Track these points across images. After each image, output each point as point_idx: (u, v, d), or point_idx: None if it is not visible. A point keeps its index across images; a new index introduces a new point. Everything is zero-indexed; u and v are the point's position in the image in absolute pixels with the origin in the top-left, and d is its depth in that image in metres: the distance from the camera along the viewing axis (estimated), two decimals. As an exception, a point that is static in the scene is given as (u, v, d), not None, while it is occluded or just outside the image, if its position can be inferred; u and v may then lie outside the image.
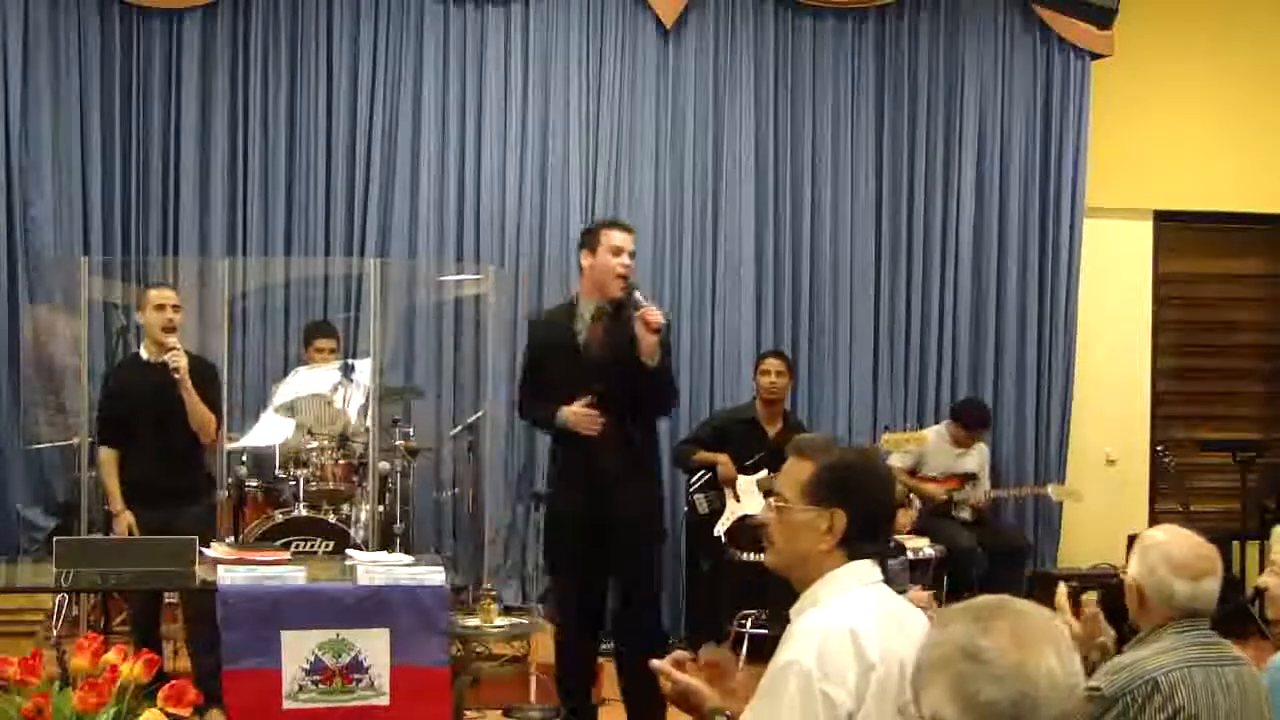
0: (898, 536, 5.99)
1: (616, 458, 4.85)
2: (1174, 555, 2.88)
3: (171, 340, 5.48)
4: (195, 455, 5.67)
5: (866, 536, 2.44)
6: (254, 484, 6.56)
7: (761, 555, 6.71)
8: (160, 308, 5.55)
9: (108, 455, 5.60)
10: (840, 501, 2.42)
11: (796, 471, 2.49)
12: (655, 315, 4.73)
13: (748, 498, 6.70)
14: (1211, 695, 2.79)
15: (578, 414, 4.85)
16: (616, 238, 4.91)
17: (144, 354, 5.64)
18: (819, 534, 2.42)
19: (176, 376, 5.41)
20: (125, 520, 5.46)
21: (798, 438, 2.64)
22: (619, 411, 4.85)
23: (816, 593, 2.43)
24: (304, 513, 6.16)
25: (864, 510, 2.43)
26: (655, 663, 2.53)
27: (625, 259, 4.88)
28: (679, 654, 2.54)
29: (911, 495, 7.13)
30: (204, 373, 5.66)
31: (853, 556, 2.43)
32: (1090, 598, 3.30)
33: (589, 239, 4.98)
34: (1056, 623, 1.78)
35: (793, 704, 2.25)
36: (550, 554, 5.26)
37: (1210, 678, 2.80)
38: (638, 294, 4.83)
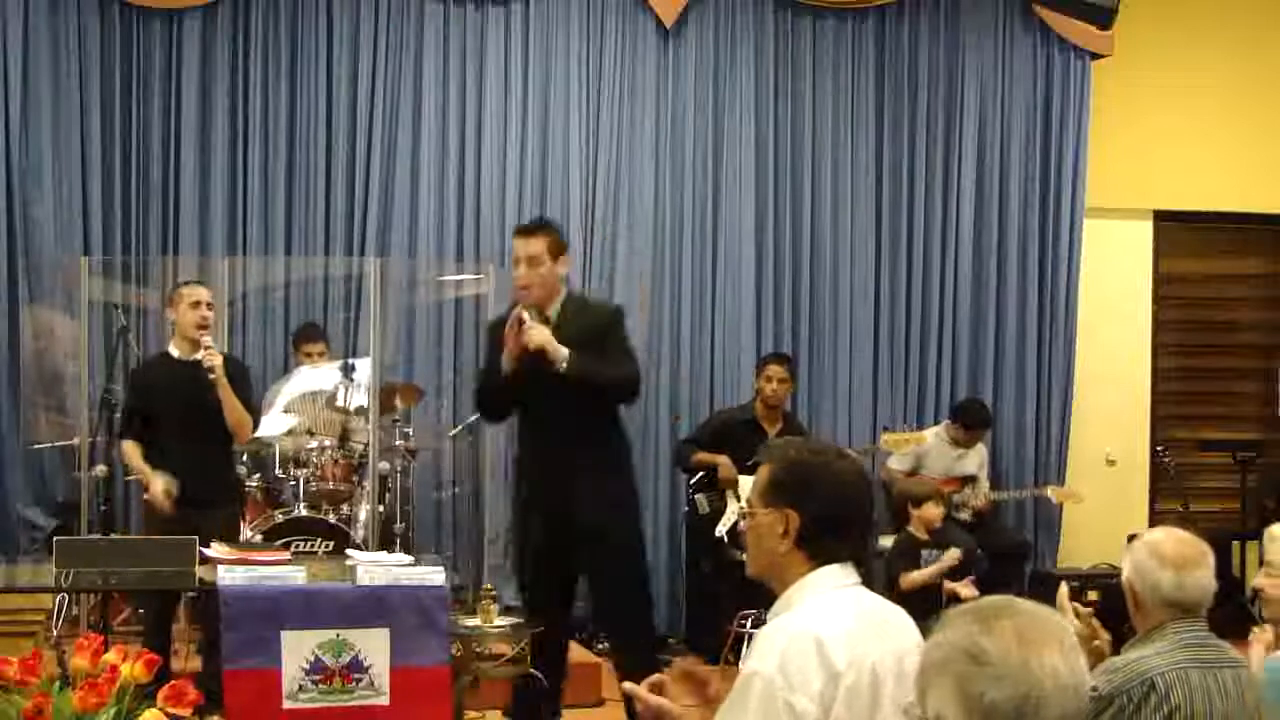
0: (932, 532, 6.00)
1: (577, 451, 4.77)
2: (1159, 549, 2.92)
3: (206, 339, 5.41)
4: (224, 457, 5.62)
5: (829, 536, 2.38)
6: (254, 484, 6.56)
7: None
8: (195, 305, 5.46)
9: (130, 445, 5.48)
10: (791, 501, 2.39)
11: (759, 476, 2.48)
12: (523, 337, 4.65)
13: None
14: (1208, 696, 2.79)
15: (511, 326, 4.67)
16: (518, 248, 4.83)
17: (174, 351, 5.54)
18: (777, 536, 2.39)
19: (212, 376, 5.33)
20: (160, 483, 5.30)
21: (766, 442, 2.62)
22: (575, 403, 4.72)
23: (790, 598, 2.39)
24: (304, 513, 6.16)
25: (818, 509, 2.37)
26: (627, 686, 2.50)
27: (521, 269, 4.76)
28: (655, 677, 2.51)
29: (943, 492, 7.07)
30: (237, 371, 5.60)
31: (820, 558, 2.38)
32: (1064, 595, 3.29)
33: None
34: (1061, 622, 1.78)
35: (756, 714, 2.22)
36: (520, 552, 5.21)
37: (1207, 679, 2.81)
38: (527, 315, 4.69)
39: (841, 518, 2.40)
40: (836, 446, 2.68)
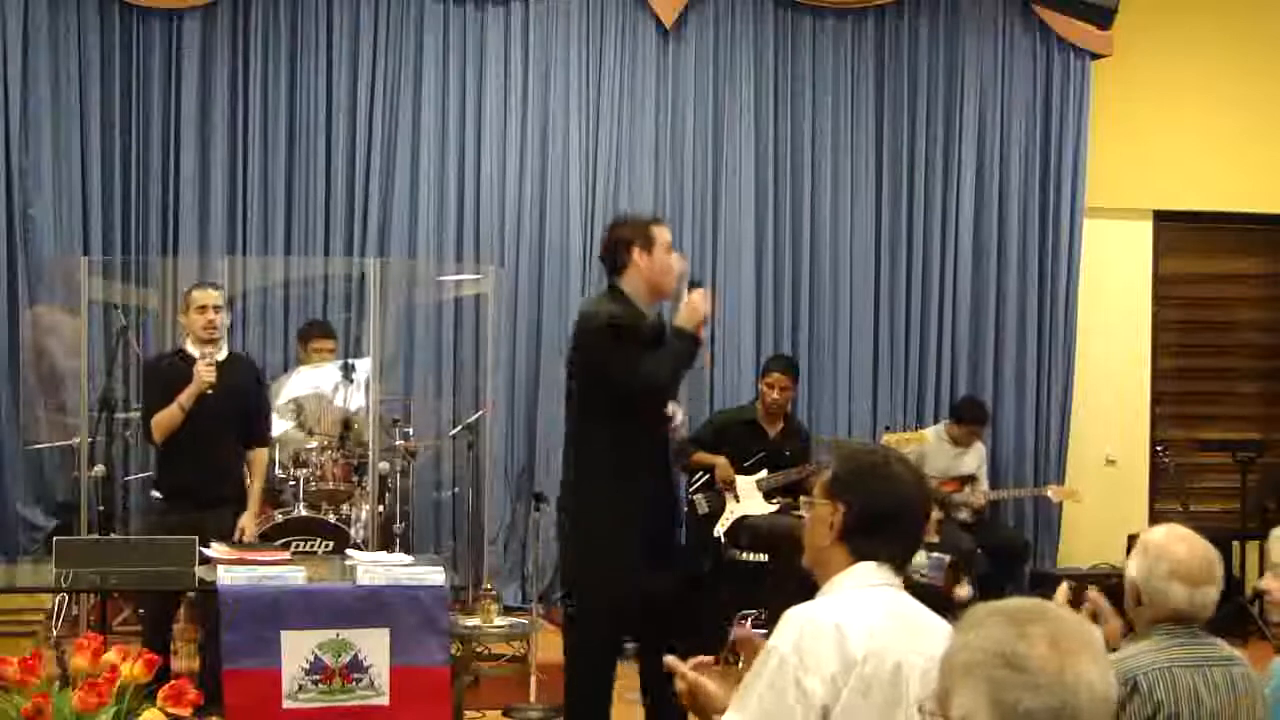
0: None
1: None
2: (1177, 560, 2.84)
3: (209, 348, 5.35)
4: (236, 459, 5.58)
5: (869, 535, 2.44)
6: (254, 484, 6.55)
7: (760, 555, 6.71)
8: (201, 310, 5.39)
9: (157, 417, 5.41)
10: (843, 496, 2.47)
11: (825, 471, 2.57)
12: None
13: (747, 498, 6.69)
14: (1195, 694, 2.78)
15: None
16: (668, 234, 4.57)
17: (191, 350, 5.44)
18: (824, 528, 2.47)
19: (209, 392, 5.30)
20: (203, 370, 5.29)
21: (836, 440, 2.69)
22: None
23: (827, 589, 2.47)
24: (304, 513, 6.15)
25: (863, 506, 2.45)
26: (670, 660, 2.54)
27: (677, 255, 4.60)
28: (702, 659, 2.54)
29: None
30: (253, 377, 5.70)
31: (858, 554, 2.45)
32: (1094, 593, 3.26)
33: (642, 235, 4.46)
34: (1091, 629, 1.74)
35: (767, 690, 2.28)
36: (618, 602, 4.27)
37: (1194, 677, 2.79)
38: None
39: (884, 519, 2.46)
40: (898, 452, 2.73)
